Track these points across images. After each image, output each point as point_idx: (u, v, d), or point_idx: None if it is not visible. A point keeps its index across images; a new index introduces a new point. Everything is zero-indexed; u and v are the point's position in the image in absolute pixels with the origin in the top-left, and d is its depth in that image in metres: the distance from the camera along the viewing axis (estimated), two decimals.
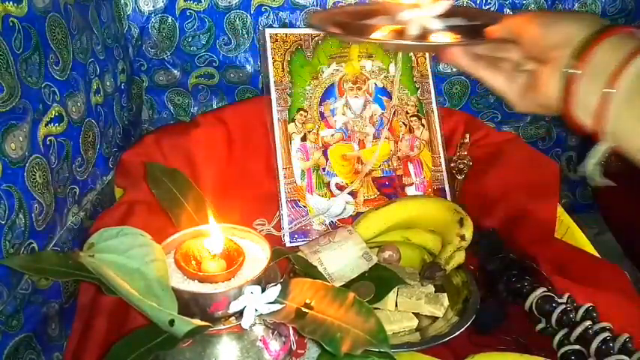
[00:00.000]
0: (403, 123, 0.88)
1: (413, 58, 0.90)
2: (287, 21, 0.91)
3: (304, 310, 0.49)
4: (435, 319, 0.66)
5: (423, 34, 0.51)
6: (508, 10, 0.95)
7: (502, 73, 0.50)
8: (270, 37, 0.85)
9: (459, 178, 0.85)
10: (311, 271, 0.62)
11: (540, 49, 0.44)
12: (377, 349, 0.47)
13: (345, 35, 0.55)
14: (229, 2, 0.89)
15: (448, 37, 0.51)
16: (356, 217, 0.80)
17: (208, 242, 0.54)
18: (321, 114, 0.85)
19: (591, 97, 0.40)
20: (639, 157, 0.39)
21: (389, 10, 0.54)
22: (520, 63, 0.49)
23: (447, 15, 0.52)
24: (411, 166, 0.87)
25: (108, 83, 0.76)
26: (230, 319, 0.50)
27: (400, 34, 0.51)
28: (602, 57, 0.39)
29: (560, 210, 0.83)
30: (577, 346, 0.59)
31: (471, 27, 0.53)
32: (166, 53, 0.92)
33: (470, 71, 0.52)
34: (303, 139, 0.84)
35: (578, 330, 0.60)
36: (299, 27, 0.91)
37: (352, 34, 0.55)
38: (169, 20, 0.89)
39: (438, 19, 0.51)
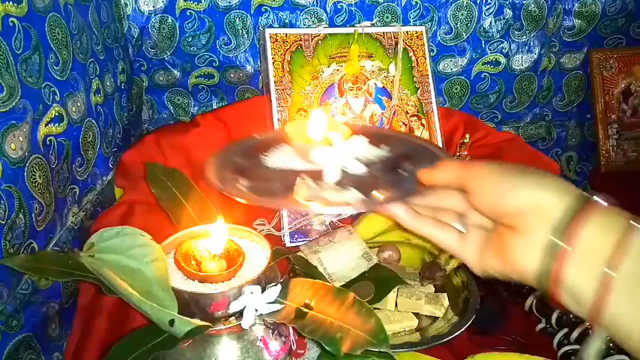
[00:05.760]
0: (403, 123, 0.88)
1: (413, 58, 0.90)
2: (287, 21, 0.91)
3: (304, 310, 0.49)
4: (435, 319, 0.66)
5: (343, 179, 0.44)
6: (508, 11, 0.95)
7: (451, 230, 0.44)
8: (270, 37, 0.85)
9: None
10: (311, 271, 0.62)
11: (500, 212, 0.39)
12: (377, 349, 0.47)
13: (255, 198, 0.44)
14: (229, 2, 0.89)
15: (374, 192, 0.43)
16: (356, 217, 0.80)
17: (208, 242, 0.54)
18: None
19: (583, 284, 0.35)
20: (634, 343, 0.34)
21: (297, 148, 0.47)
22: (467, 215, 0.44)
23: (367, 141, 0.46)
24: None
25: (108, 83, 0.76)
26: (230, 319, 0.50)
27: (315, 178, 0.44)
28: (591, 239, 0.35)
29: None
30: (577, 346, 0.59)
31: (395, 160, 0.46)
32: (166, 53, 0.92)
33: (413, 229, 0.45)
34: None
35: (578, 330, 0.60)
36: (299, 27, 0.91)
37: (261, 190, 0.45)
38: (169, 20, 0.89)
39: (357, 159, 0.45)
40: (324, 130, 0.47)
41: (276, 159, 0.48)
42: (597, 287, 0.34)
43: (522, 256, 0.38)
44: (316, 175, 0.44)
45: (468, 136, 0.84)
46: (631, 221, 0.34)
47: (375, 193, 0.43)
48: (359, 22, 0.91)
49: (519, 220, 0.38)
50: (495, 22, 0.96)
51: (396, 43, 0.89)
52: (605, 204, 0.36)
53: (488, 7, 0.95)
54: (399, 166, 0.46)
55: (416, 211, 0.45)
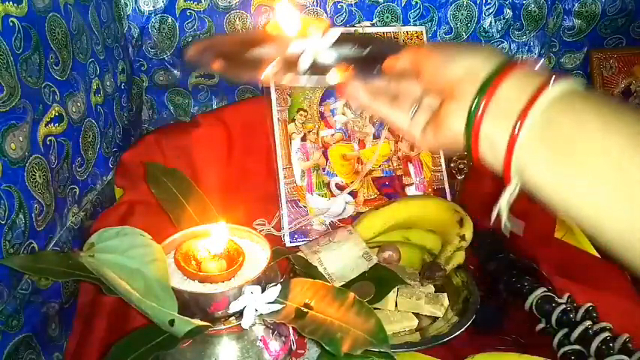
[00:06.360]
0: None
1: None
2: None
3: (304, 310, 0.49)
4: (435, 319, 0.66)
5: (316, 68, 0.46)
6: (508, 11, 0.95)
7: (404, 110, 0.47)
8: None
9: (459, 178, 0.85)
10: (311, 271, 0.62)
11: (441, 84, 0.41)
12: (377, 349, 0.47)
13: (230, 71, 0.49)
14: (229, 2, 0.89)
15: (340, 73, 0.46)
16: (356, 217, 0.80)
17: (208, 242, 0.54)
18: (321, 114, 0.85)
19: (498, 135, 0.36)
20: (543, 195, 0.35)
21: (275, 41, 0.50)
22: (422, 99, 0.45)
23: (340, 42, 0.48)
24: (411, 166, 0.87)
25: (108, 83, 0.76)
26: (230, 319, 0.50)
27: (290, 66, 0.46)
28: (509, 93, 0.36)
29: None
30: (577, 346, 0.59)
31: (367, 58, 0.48)
32: (166, 53, 0.92)
33: (370, 109, 0.49)
34: (303, 139, 0.84)
35: (578, 330, 0.60)
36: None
37: (237, 68, 0.50)
38: (169, 20, 0.89)
39: (330, 50, 0.47)
40: (302, 24, 0.49)
41: (257, 50, 0.51)
42: (508, 138, 0.35)
43: (453, 119, 0.39)
44: (291, 64, 0.47)
45: None
46: (553, 76, 0.35)
47: (337, 71, 0.46)
48: (359, 22, 0.91)
49: (455, 88, 0.39)
50: (495, 22, 0.96)
51: None
52: (532, 66, 0.37)
53: (488, 7, 0.95)
54: (372, 61, 0.48)
55: (373, 90, 0.49)
